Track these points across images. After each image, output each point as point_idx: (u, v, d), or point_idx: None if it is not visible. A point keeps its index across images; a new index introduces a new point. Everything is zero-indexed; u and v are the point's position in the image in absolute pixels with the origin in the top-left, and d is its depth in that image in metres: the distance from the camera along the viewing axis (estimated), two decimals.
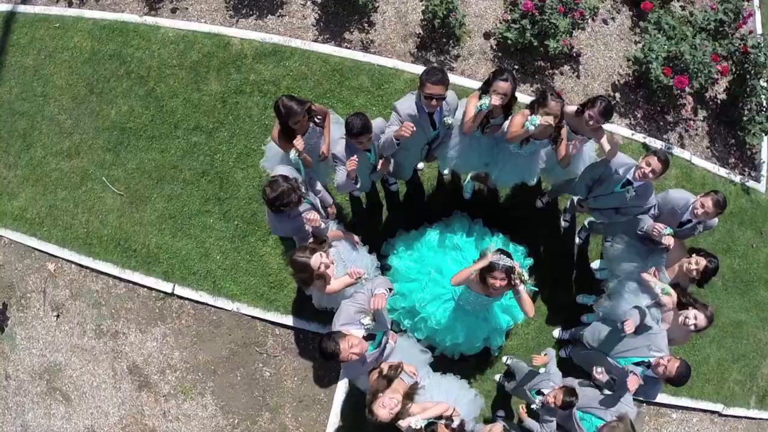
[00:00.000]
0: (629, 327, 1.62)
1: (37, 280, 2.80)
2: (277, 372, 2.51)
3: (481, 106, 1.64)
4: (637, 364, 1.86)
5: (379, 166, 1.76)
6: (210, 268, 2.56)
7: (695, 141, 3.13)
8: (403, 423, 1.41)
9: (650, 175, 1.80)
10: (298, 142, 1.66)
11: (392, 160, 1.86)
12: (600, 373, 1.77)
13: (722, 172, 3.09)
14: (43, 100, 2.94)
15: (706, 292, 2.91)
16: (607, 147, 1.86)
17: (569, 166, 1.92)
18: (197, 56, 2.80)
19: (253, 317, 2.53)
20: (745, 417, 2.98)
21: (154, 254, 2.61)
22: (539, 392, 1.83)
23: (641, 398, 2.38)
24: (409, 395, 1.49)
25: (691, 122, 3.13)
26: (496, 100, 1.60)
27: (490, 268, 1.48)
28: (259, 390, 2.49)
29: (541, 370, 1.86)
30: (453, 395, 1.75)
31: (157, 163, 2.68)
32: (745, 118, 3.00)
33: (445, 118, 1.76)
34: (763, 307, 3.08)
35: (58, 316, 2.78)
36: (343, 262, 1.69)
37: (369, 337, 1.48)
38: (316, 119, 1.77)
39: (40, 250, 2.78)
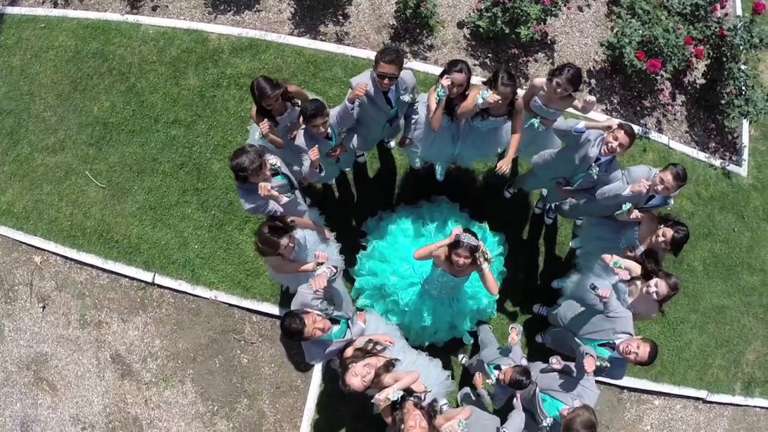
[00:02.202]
0: (605, 293, 1.64)
1: (24, 273, 2.97)
2: (254, 359, 2.64)
3: (438, 94, 1.74)
4: (602, 345, 1.92)
5: (337, 151, 1.85)
6: (188, 257, 2.70)
7: (674, 126, 3.20)
8: (380, 396, 1.46)
9: (618, 149, 1.87)
10: (264, 125, 1.75)
11: (355, 138, 1.91)
12: (555, 363, 1.82)
13: (702, 156, 3.15)
14: (29, 99, 3.12)
15: (687, 276, 2.98)
16: (580, 105, 1.88)
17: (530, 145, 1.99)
18: (176, 52, 2.96)
19: (230, 305, 2.66)
20: (731, 404, 3.02)
21: (135, 245, 2.76)
22: (497, 367, 1.91)
23: (607, 380, 2.44)
24: (386, 367, 1.55)
25: (670, 107, 3.21)
26: (446, 82, 1.69)
27: (455, 245, 1.57)
28: (237, 377, 2.62)
29: (512, 341, 1.92)
30: (425, 373, 1.83)
31: (138, 157, 2.84)
32: (723, 102, 3.07)
33: (402, 96, 1.84)
34: (747, 291, 3.12)
35: (44, 307, 2.94)
36: (308, 251, 1.77)
37: (332, 321, 1.55)
38: (293, 101, 1.85)
39: (26, 244, 2.94)
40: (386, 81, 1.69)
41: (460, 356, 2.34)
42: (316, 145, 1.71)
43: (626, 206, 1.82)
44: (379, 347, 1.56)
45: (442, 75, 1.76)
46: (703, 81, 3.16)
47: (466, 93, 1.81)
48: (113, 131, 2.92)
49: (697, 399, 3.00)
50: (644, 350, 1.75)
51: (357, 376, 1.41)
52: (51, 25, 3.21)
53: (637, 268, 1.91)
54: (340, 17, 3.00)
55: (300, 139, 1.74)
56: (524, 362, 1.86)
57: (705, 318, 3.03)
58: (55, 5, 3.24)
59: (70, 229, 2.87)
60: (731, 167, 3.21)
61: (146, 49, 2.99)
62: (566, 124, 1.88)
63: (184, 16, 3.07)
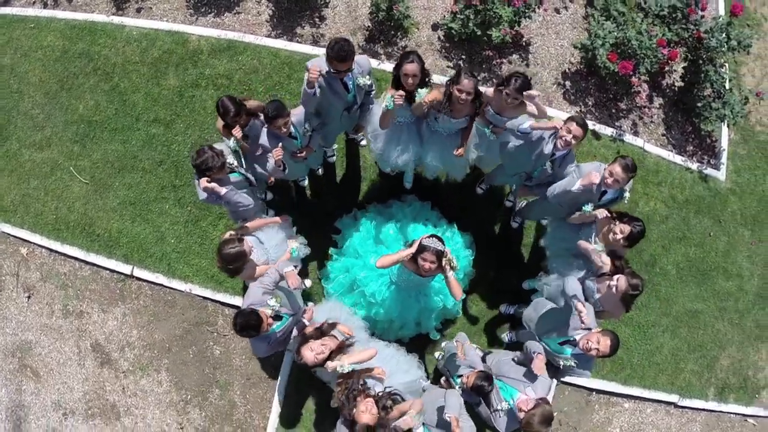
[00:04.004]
0: (581, 308, 1.72)
1: (11, 264, 3.23)
2: (226, 350, 2.86)
3: (386, 106, 1.89)
4: (563, 343, 2.05)
5: (304, 153, 2.03)
6: (165, 251, 2.94)
7: (650, 128, 3.32)
8: (330, 365, 1.64)
9: (572, 141, 2.00)
10: (237, 131, 1.97)
11: (318, 136, 2.08)
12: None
13: (678, 159, 3.27)
14: (18, 96, 3.38)
15: (660, 280, 3.11)
16: (534, 111, 2.00)
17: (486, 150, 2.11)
18: (158, 53, 3.19)
19: (204, 298, 2.89)
20: (704, 409, 3.13)
21: (115, 238, 3.00)
22: (460, 376, 2.06)
23: (576, 380, 2.56)
24: (340, 349, 1.72)
25: (646, 109, 3.33)
26: (399, 101, 1.82)
27: (421, 249, 1.71)
28: (210, 367, 2.84)
29: (461, 356, 2.05)
30: (390, 364, 1.98)
31: (119, 154, 3.08)
32: (700, 105, 3.18)
33: (357, 80, 1.97)
34: (722, 296, 3.23)
35: (29, 297, 3.20)
36: (265, 248, 1.96)
37: (276, 317, 1.73)
38: (255, 116, 2.05)
39: (13, 236, 3.21)
40: (341, 74, 1.83)
41: (437, 354, 2.46)
42: (280, 144, 1.90)
43: (588, 207, 1.95)
44: (336, 333, 1.73)
45: (397, 66, 1.87)
46: (681, 83, 3.28)
47: (424, 83, 1.92)
48: (97, 129, 3.17)
49: (668, 403, 3.12)
50: (605, 343, 1.87)
51: (312, 351, 1.60)
52: (40, 25, 3.48)
53: (608, 264, 2.02)
54: (317, 19, 3.21)
55: (263, 138, 1.94)
56: (481, 364, 1.98)
57: (677, 322, 3.15)
58: (45, 6, 3.51)
59: (54, 222, 3.13)
60: (709, 171, 3.33)
61: (129, 50, 3.24)
62: (512, 124, 2.02)
63: (167, 18, 3.30)
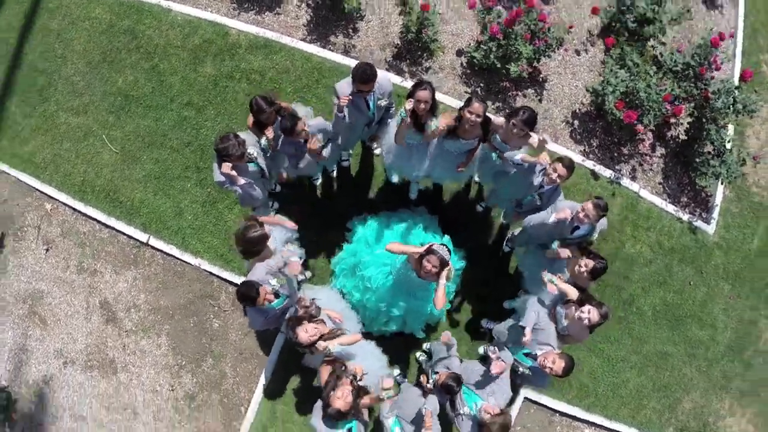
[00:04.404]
0: (526, 340, 2.11)
1: (35, 217, 3.67)
2: (224, 324, 3.29)
3: (400, 114, 2.28)
4: (526, 354, 2.44)
5: (310, 145, 2.35)
6: (181, 225, 3.37)
7: (648, 176, 3.72)
8: (321, 344, 2.02)
9: (557, 180, 2.37)
10: (269, 131, 2.36)
11: (329, 147, 2.46)
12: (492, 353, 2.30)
13: (670, 208, 3.66)
14: (61, 62, 3.82)
15: (635, 319, 3.51)
16: (535, 144, 2.36)
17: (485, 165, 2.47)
18: (199, 41, 3.62)
19: (211, 273, 3.33)
20: None
21: (136, 207, 3.44)
22: (436, 372, 2.46)
23: (533, 387, 2.93)
24: (330, 335, 2.12)
25: (648, 157, 3.73)
26: (408, 105, 2.22)
27: (429, 252, 2.05)
28: (207, 338, 3.28)
29: (447, 351, 2.47)
30: (368, 360, 2.40)
31: (151, 130, 3.51)
32: (698, 160, 3.57)
33: (379, 101, 2.37)
34: (694, 344, 3.63)
35: (47, 250, 3.64)
36: (275, 239, 2.33)
37: (275, 295, 2.11)
38: (282, 114, 2.45)
39: (40, 191, 3.65)
40: (364, 93, 2.19)
41: (419, 354, 2.90)
42: (319, 136, 2.20)
43: (554, 245, 2.33)
44: (325, 318, 2.11)
45: (410, 93, 2.28)
46: (685, 137, 3.67)
47: (434, 111, 2.30)
48: (132, 103, 3.60)
49: None
50: (559, 365, 2.26)
51: (306, 333, 1.99)
52: None
53: (573, 293, 2.40)
54: (351, 30, 3.63)
55: (283, 147, 2.29)
56: (458, 368, 2.37)
57: (646, 361, 3.55)
58: None
59: (81, 184, 3.57)
60: (699, 223, 3.72)
61: (173, 34, 3.67)
62: (509, 154, 2.40)
63: (211, 9, 3.73)
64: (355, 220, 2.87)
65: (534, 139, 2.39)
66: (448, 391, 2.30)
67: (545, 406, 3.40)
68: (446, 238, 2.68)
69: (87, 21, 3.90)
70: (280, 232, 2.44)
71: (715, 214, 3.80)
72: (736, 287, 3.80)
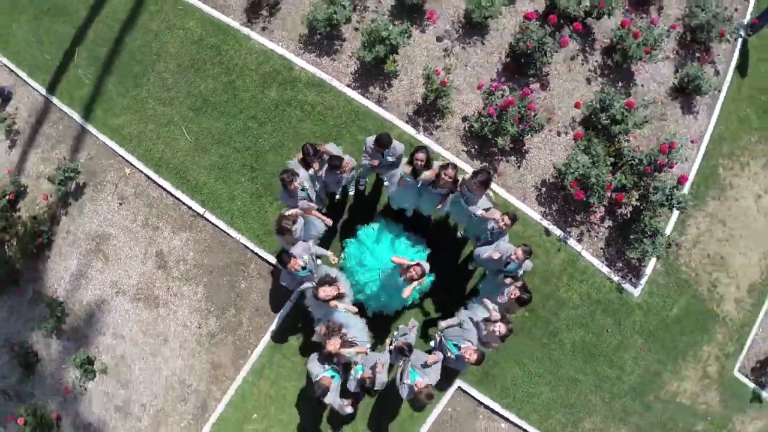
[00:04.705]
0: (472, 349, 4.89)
1: (114, 176, 6.77)
2: (249, 287, 6.31)
3: (401, 174, 5.21)
4: (454, 345, 5.34)
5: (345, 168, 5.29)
6: (232, 208, 6.39)
7: (593, 240, 6.67)
8: (332, 303, 4.91)
9: (504, 227, 5.21)
10: (316, 166, 5.21)
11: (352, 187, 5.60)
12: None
13: (605, 269, 6.60)
14: (156, 58, 6.92)
15: (556, 347, 6.50)
16: (487, 204, 5.18)
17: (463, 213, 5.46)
18: (269, 69, 6.67)
19: (246, 247, 6.35)
20: None
21: (199, 187, 6.48)
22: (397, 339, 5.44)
23: (456, 368, 5.89)
24: (339, 297, 5.03)
25: (596, 226, 6.68)
26: (407, 168, 5.13)
27: (419, 265, 4.77)
28: (234, 294, 6.29)
29: (409, 331, 5.35)
30: (356, 329, 5.31)
31: (220, 130, 6.55)
32: (632, 237, 6.51)
33: (388, 158, 5.26)
34: (602, 378, 6.57)
35: (120, 204, 6.73)
36: (306, 227, 5.27)
37: (303, 268, 5.02)
38: (322, 156, 5.34)
39: (123, 158, 6.73)
40: (381, 150, 5.13)
41: (394, 331, 5.72)
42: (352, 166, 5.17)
43: (490, 304, 5.28)
44: (339, 285, 5.01)
45: (411, 154, 5.09)
46: (629, 217, 6.60)
47: (429, 166, 5.12)
48: (209, 107, 6.64)
49: None
50: (473, 357, 5.13)
51: (325, 291, 4.87)
52: (187, 10, 7.02)
53: (496, 315, 5.29)
54: (386, 85, 6.63)
55: (329, 179, 5.24)
56: (414, 341, 5.24)
57: (559, 381, 6.48)
58: None
59: (158, 160, 6.63)
60: (626, 286, 6.63)
61: (249, 58, 6.71)
62: (473, 208, 5.24)
63: (282, 44, 6.76)
64: (362, 228, 5.72)
65: (491, 194, 5.29)
66: (401, 352, 5.20)
67: (473, 397, 6.34)
68: (425, 257, 5.54)
69: (181, 30, 6.99)
70: (313, 223, 5.35)
71: (643, 281, 6.70)
72: (649, 342, 6.71)
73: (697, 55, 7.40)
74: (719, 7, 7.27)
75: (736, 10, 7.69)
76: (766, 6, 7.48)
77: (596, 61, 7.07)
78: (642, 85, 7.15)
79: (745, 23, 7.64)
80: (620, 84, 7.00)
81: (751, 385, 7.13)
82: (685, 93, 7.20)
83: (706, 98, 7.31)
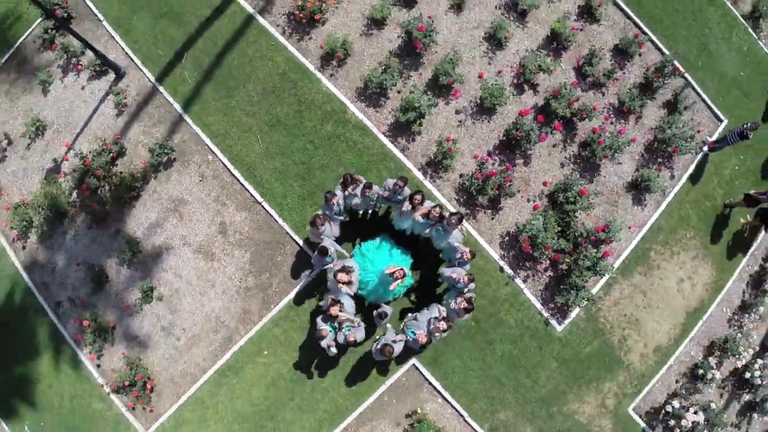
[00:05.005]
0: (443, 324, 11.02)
1: (199, 159, 13.20)
2: (283, 261, 12.61)
3: (405, 208, 11.55)
4: (412, 332, 11.67)
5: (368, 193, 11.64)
6: (283, 203, 12.69)
7: (535, 284, 12.93)
8: (344, 288, 11.23)
9: (466, 259, 11.43)
10: (351, 190, 11.46)
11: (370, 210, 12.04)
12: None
13: (538, 306, 12.83)
14: (247, 78, 13.34)
15: (488, 352, 12.85)
16: (459, 236, 11.42)
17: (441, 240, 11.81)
18: (329, 108, 13.01)
19: (287, 233, 12.69)
20: (476, 431, 12.72)
21: (262, 183, 12.83)
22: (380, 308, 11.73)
23: (411, 346, 12.17)
24: (348, 283, 11.40)
25: (540, 273, 12.93)
26: (407, 207, 11.44)
27: (401, 269, 10.94)
28: (271, 263, 12.59)
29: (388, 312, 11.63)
30: (349, 306, 11.69)
31: (285, 146, 12.90)
32: (562, 287, 12.75)
33: (398, 196, 11.51)
34: (520, 384, 12.80)
35: (200, 180, 13.14)
36: (327, 230, 11.53)
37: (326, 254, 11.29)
38: (357, 183, 11.68)
39: (209, 147, 13.16)
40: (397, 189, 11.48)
41: (380, 309, 12.03)
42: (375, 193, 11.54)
43: (449, 296, 11.60)
44: (352, 275, 11.39)
45: (410, 196, 11.26)
46: (565, 270, 12.79)
47: (423, 203, 11.36)
48: (281, 126, 12.98)
49: (460, 415, 12.65)
50: (423, 340, 11.34)
51: (341, 277, 11.09)
52: (277, 47, 13.43)
53: (444, 317, 11.60)
54: (411, 139, 12.88)
55: (357, 200, 11.48)
56: (389, 312, 11.55)
57: (487, 378, 12.67)
58: (283, 34, 13.45)
59: (235, 156, 12.96)
60: (553, 321, 12.82)
61: (317, 97, 13.01)
62: (448, 240, 11.43)
63: (343, 91, 13.05)
64: (370, 241, 11.97)
65: (465, 228, 11.57)
66: (381, 317, 11.48)
67: (422, 374, 12.54)
68: (409, 264, 11.74)
69: (270, 61, 13.38)
70: (331, 230, 11.71)
71: (567, 322, 12.88)
72: (561, 368, 12.90)
73: (659, 160, 13.69)
74: (685, 127, 13.58)
75: (699, 131, 13.98)
76: (724, 135, 13.71)
77: (572, 151, 13.36)
78: (604, 176, 13.42)
79: (707, 141, 13.93)
80: (587, 173, 13.30)
81: (642, 424, 13.38)
82: (638, 188, 13.47)
83: (656, 195, 13.59)
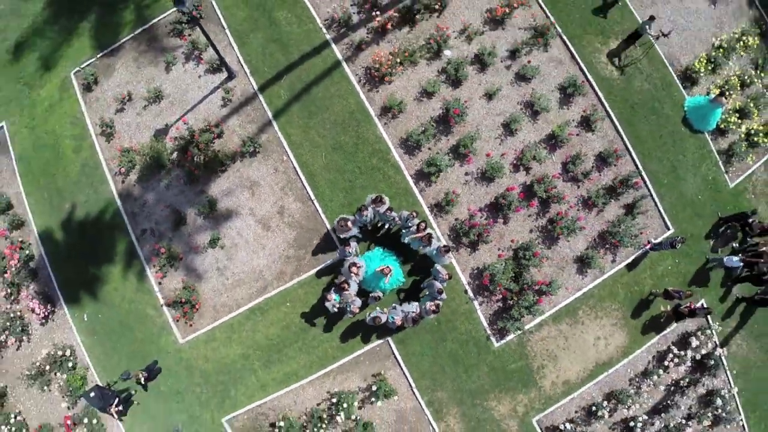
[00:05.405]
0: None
1: (277, 158, 25.99)
2: (318, 244, 26.00)
3: (411, 239, 26.21)
4: (392, 318, 26.46)
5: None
6: (328, 204, 24.80)
7: (487, 308, 25.94)
8: (354, 277, 26.15)
9: (446, 278, 25.77)
10: (366, 212, 26.00)
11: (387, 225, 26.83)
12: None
13: (485, 324, 26.10)
14: (325, 108, 25.19)
15: (441, 346, 27.79)
16: (446, 260, 25.62)
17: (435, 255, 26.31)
18: (378, 147, 24.11)
19: (326, 225, 27.15)
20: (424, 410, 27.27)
21: (317, 186, 25.59)
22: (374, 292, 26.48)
23: (390, 327, 26.89)
24: (356, 273, 26.36)
25: (493, 301, 27.54)
26: (410, 237, 25.98)
27: (388, 267, 25.07)
28: (308, 244, 26.70)
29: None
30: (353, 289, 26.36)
31: (340, 165, 24.92)
32: (505, 315, 27.52)
33: (408, 223, 25.90)
34: (458, 375, 25.65)
35: (274, 172, 26.87)
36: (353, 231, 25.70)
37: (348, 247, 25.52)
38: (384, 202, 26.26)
39: (286, 150, 27.56)
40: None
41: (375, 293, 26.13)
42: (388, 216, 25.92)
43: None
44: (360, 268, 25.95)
45: (417, 229, 25.62)
46: (511, 304, 27.53)
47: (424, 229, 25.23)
48: (341, 150, 24.61)
49: (410, 385, 27.44)
50: (398, 323, 25.85)
51: (352, 268, 25.69)
52: (352, 90, 27.13)
53: (417, 312, 26.27)
54: (428, 184, 26.41)
55: (378, 215, 25.92)
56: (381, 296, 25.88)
57: (435, 363, 25.04)
58: (359, 82, 28.28)
59: (304, 162, 25.59)
60: (493, 338, 25.87)
61: (371, 137, 25.15)
62: (439, 261, 25.76)
63: (391, 138, 26.04)
64: (377, 249, 26.39)
65: (450, 257, 26.03)
66: (375, 299, 25.99)
67: (391, 348, 26.25)
68: (397, 267, 26.03)
69: (344, 100, 25.72)
70: (351, 231, 26.07)
71: (503, 341, 25.91)
72: (490, 373, 26.44)
73: (607, 246, 28.45)
74: (633, 228, 28.52)
75: (641, 233, 28.86)
76: (664, 240, 28.42)
77: (540, 223, 26.72)
78: (560, 247, 27.62)
79: (651, 242, 28.81)
80: (547, 242, 27.88)
81: None
82: (583, 262, 28.21)
83: (596, 270, 28.44)
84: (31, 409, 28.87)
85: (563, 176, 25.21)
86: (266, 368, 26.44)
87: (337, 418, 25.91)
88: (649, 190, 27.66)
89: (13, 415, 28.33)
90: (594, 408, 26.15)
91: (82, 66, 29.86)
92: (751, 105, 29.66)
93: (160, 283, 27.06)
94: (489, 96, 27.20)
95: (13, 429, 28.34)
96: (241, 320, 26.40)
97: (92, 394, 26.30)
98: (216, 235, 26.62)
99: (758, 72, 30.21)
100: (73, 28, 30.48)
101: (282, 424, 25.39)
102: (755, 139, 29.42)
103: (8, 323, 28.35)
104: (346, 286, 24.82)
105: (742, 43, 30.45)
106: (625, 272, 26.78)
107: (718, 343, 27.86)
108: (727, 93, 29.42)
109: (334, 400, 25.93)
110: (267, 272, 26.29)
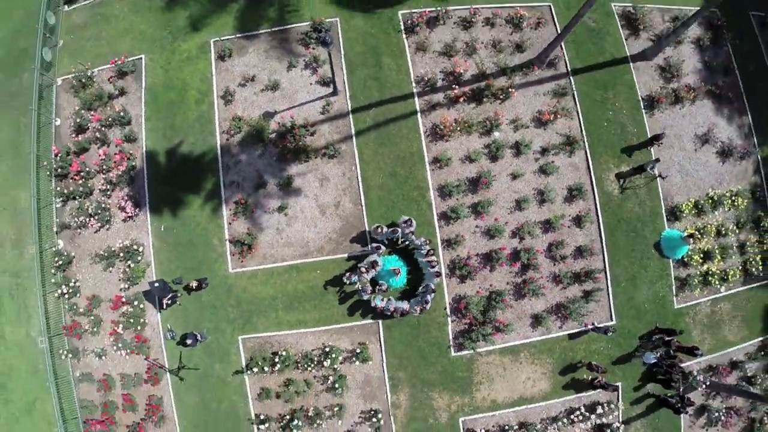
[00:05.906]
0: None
1: (347, 165, 39.62)
2: (355, 237, 41.78)
3: (420, 259, 41.96)
4: (388, 307, 42.51)
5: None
6: (372, 213, 39.12)
7: (457, 325, 41.85)
8: (369, 267, 41.94)
9: (431, 291, 41.59)
10: (378, 229, 41.83)
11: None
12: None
13: (450, 336, 40.64)
14: (394, 144, 40.45)
15: (416, 341, 43.94)
16: (435, 282, 40.82)
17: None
18: (422, 185, 39.61)
19: (365, 227, 42.82)
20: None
21: (369, 197, 40.50)
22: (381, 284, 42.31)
23: (385, 313, 43.06)
24: (374, 266, 42.45)
25: (462, 322, 42.93)
26: (423, 251, 41.53)
27: (398, 269, 40.51)
28: (348, 234, 40.55)
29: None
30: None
31: (390, 188, 38.05)
32: (467, 335, 43.44)
33: (421, 249, 41.65)
34: (419, 366, 41.12)
35: (342, 175, 42.47)
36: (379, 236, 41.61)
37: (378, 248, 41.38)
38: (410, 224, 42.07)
39: (356, 163, 42.65)
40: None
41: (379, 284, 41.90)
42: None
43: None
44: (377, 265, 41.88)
45: (427, 251, 40.82)
46: (475, 329, 43.43)
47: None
48: (395, 178, 37.88)
49: (382, 359, 43.31)
50: (391, 311, 41.90)
51: (371, 262, 41.24)
52: (417, 136, 44.57)
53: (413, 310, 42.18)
54: (447, 223, 42.76)
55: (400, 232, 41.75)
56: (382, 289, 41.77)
57: (405, 350, 38.13)
58: (424, 132, 44.01)
59: (365, 176, 38.07)
60: (452, 348, 39.94)
61: (419, 176, 39.07)
62: (431, 277, 41.40)
63: (433, 181, 40.93)
64: (386, 256, 41.83)
65: (441, 278, 41.46)
66: (383, 290, 41.76)
67: (379, 328, 40.35)
68: (404, 269, 41.35)
69: (410, 142, 39.52)
70: (381, 236, 41.61)
71: (459, 354, 38.04)
72: (443, 376, 40.30)
73: (559, 315, 43.61)
74: (583, 309, 44.17)
75: (588, 314, 44.19)
76: (603, 326, 43.91)
77: (516, 280, 41.62)
78: (524, 302, 41.62)
79: (591, 323, 44.45)
80: (514, 295, 43.13)
81: None
82: (537, 320, 43.58)
83: (544, 329, 43.64)
84: (88, 280, 43.49)
85: (545, 253, 40.47)
86: (286, 311, 41.52)
87: (324, 363, 40.86)
88: (607, 287, 41.68)
89: (73, 281, 43.11)
90: (507, 429, 41.92)
91: (222, 38, 44.38)
92: (718, 252, 43.00)
93: (230, 224, 41.96)
94: (514, 176, 42.27)
95: (70, 290, 42.98)
96: (281, 271, 41.20)
97: (156, 284, 41.13)
98: (284, 204, 41.58)
99: (735, 228, 43.85)
100: (224, 4, 45.36)
101: (283, 353, 40.94)
102: (710, 279, 43.08)
103: (98, 211, 42.47)
104: (364, 271, 39.65)
105: (731, 200, 43.69)
106: (566, 339, 41.05)
107: (620, 420, 42.44)
108: (698, 237, 42.67)
109: (327, 350, 41.20)
110: (312, 244, 41.50)
